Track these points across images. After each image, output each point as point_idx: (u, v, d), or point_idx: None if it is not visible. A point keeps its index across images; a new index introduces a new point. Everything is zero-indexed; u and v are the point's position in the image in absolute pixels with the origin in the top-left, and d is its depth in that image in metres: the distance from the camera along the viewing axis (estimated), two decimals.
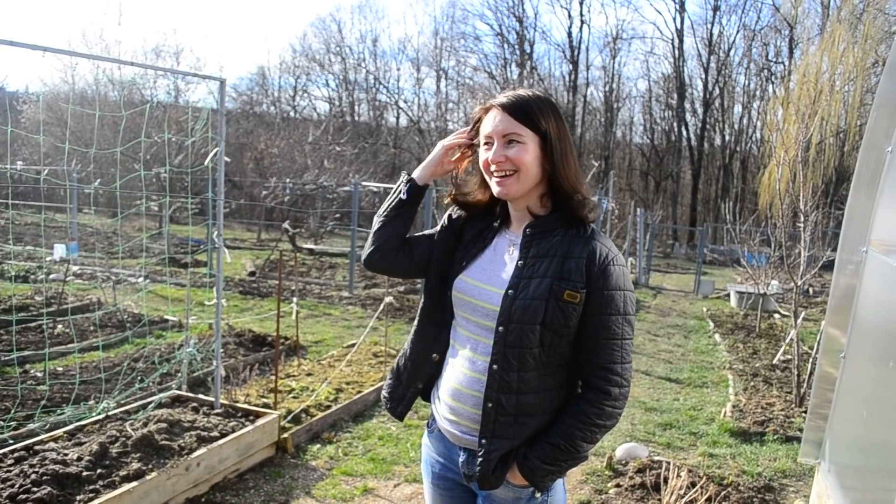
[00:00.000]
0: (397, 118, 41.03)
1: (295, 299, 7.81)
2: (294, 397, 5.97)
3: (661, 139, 40.47)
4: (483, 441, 1.92)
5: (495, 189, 1.95)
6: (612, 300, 1.87)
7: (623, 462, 5.02)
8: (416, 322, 2.19)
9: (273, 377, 5.81)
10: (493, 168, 1.93)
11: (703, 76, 37.47)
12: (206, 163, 5.01)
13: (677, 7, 37.35)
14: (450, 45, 40.86)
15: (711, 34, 36.91)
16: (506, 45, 40.14)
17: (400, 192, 2.10)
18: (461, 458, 2.04)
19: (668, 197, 38.44)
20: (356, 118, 40.60)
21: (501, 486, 1.93)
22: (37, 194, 21.12)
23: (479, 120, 2.00)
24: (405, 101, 41.12)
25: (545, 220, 1.98)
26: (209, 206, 4.76)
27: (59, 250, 12.41)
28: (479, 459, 1.92)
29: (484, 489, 1.95)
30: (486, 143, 1.96)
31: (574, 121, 37.39)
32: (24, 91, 28.59)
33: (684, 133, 38.69)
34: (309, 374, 6.73)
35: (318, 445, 5.21)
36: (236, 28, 60.79)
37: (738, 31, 37.01)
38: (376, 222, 2.13)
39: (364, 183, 18.94)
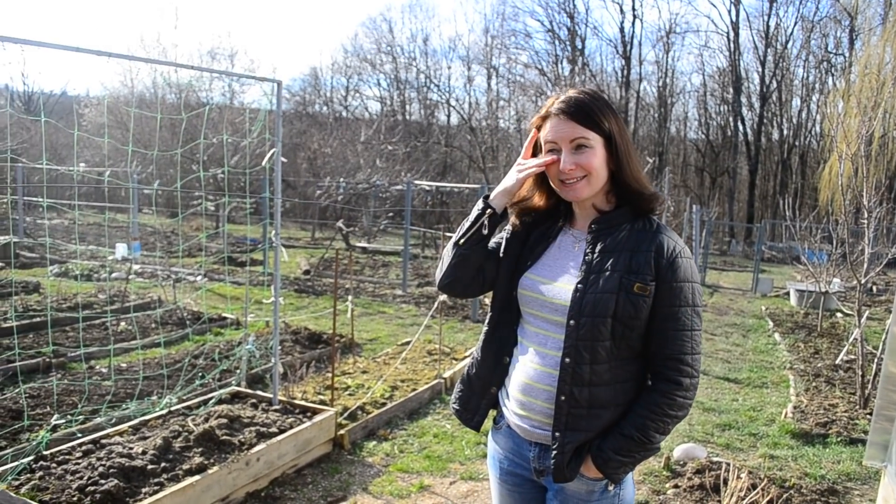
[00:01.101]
0: (448, 116, 41.07)
1: (350, 297, 7.89)
2: (350, 394, 6.03)
3: (717, 134, 39.69)
4: (557, 434, 1.94)
5: (566, 194, 1.99)
6: (681, 292, 1.90)
7: (681, 462, 4.94)
8: (484, 328, 2.20)
9: (329, 374, 5.88)
10: (563, 177, 1.94)
11: (760, 69, 36.62)
12: (263, 163, 5.10)
13: None
14: (500, 43, 40.71)
15: (768, 26, 36.04)
16: (557, 42, 39.85)
17: (482, 225, 2.08)
18: (532, 453, 2.05)
19: (724, 193, 37.68)
20: (407, 117, 40.77)
21: (575, 478, 1.95)
22: (99, 195, 21.80)
23: (539, 128, 2.02)
24: (456, 100, 41.15)
25: (611, 215, 2.00)
26: (265, 205, 4.84)
27: (121, 249, 12.76)
28: (554, 452, 1.94)
29: (559, 482, 1.96)
30: (550, 151, 1.97)
31: (627, 117, 36.91)
32: (85, 95, 29.51)
33: (740, 128, 37.86)
34: (364, 372, 6.79)
35: (374, 442, 5.25)
36: (289, 29, 61.62)
37: (795, 23, 36.06)
38: (453, 251, 2.11)
39: (416, 182, 19.03)
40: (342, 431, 5.12)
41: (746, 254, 27.53)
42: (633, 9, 40.31)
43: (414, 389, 6.25)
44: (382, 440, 5.31)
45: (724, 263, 23.48)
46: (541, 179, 2.09)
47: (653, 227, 1.96)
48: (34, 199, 15.97)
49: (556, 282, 1.99)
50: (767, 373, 8.04)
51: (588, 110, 1.91)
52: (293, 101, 40.16)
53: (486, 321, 2.20)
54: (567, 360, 1.91)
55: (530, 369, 2.01)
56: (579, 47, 39.30)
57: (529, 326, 2.06)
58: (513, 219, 2.16)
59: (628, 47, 38.06)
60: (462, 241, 2.09)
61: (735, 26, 36.44)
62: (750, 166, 37.39)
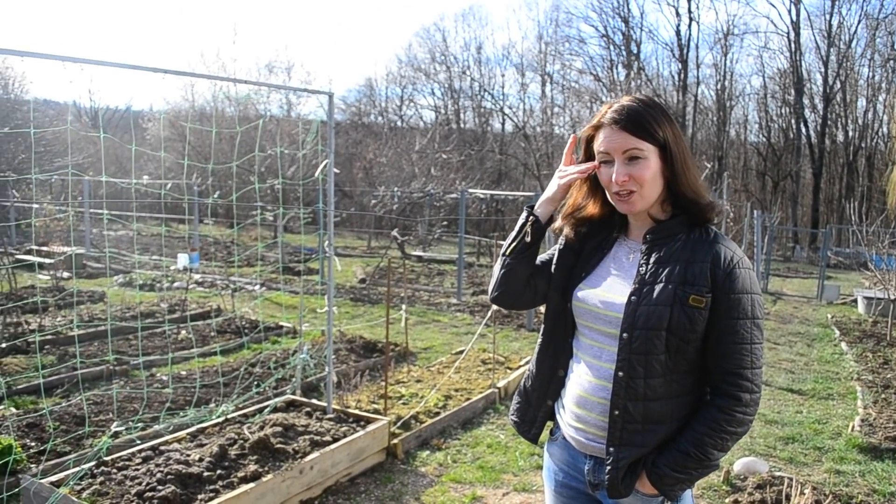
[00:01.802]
0: (503, 124, 41.04)
1: (404, 306, 7.90)
2: (403, 403, 6.03)
3: (779, 137, 38.71)
4: (611, 449, 1.89)
5: (621, 207, 1.94)
6: (740, 304, 1.83)
7: (741, 477, 4.79)
8: (539, 340, 2.17)
9: (383, 383, 5.89)
10: (615, 188, 1.89)
11: (823, 70, 35.60)
12: (316, 175, 5.14)
13: None
14: (554, 49, 40.56)
15: (830, 25, 35.04)
16: (612, 47, 39.50)
17: (525, 234, 2.07)
18: (587, 466, 2.01)
19: (787, 197, 36.72)
20: (462, 125, 40.87)
21: (630, 494, 1.90)
22: (162, 207, 22.39)
23: (591, 138, 1.96)
24: (510, 108, 41.09)
25: (666, 224, 1.94)
26: (320, 215, 4.88)
27: (182, 260, 13.06)
28: (608, 468, 1.90)
29: (613, 497, 1.92)
30: (603, 162, 1.92)
31: (685, 121, 36.30)
32: (149, 110, 30.39)
33: (803, 130, 36.85)
34: (418, 381, 6.79)
35: (428, 452, 5.23)
36: (344, 42, 62.46)
37: (859, 21, 34.97)
38: (502, 264, 2.11)
39: (471, 190, 19.02)
40: (395, 441, 5.12)
41: (811, 260, 26.74)
42: (690, 11, 39.58)
43: (468, 399, 6.22)
44: (436, 450, 5.29)
45: (788, 270, 22.84)
46: (595, 186, 2.04)
47: (709, 236, 1.90)
48: (99, 211, 16.48)
49: (610, 293, 1.95)
50: (833, 384, 7.76)
51: (641, 120, 1.85)
52: (349, 112, 40.68)
53: (541, 332, 2.17)
54: (620, 373, 1.87)
55: (585, 382, 1.98)
56: (634, 52, 38.88)
57: (584, 339, 2.02)
58: (567, 230, 2.11)
59: (685, 50, 37.49)
60: (508, 251, 2.09)
61: (796, 26, 35.57)
62: (814, 169, 36.34)
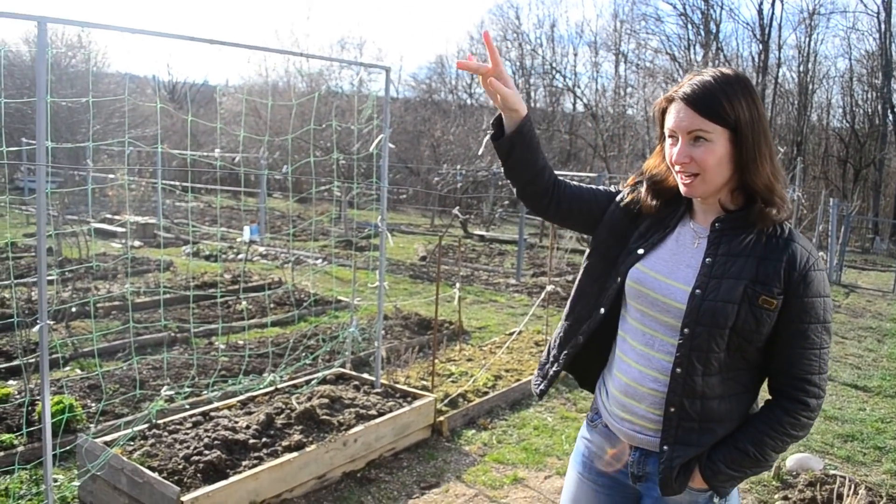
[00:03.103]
0: (574, 104, 40.42)
1: (458, 285, 7.90)
2: (453, 381, 6.05)
3: (863, 123, 37.01)
4: (665, 448, 1.82)
5: (682, 188, 1.82)
6: (812, 308, 1.74)
7: (793, 473, 4.64)
8: (570, 298, 2.09)
9: (434, 360, 5.91)
10: (677, 168, 1.79)
11: None
12: (370, 149, 5.16)
13: None
14: (629, 28, 39.54)
15: None
16: (689, 26, 38.31)
17: (499, 149, 1.98)
18: (632, 458, 1.95)
19: (869, 186, 35.19)
20: (533, 104, 40.44)
21: (684, 491, 1.85)
22: (233, 179, 22.90)
23: (664, 111, 1.83)
24: (579, 87, 40.44)
25: (737, 215, 1.81)
26: (383, 191, 4.91)
27: (247, 232, 13.36)
28: (662, 466, 1.83)
29: (666, 495, 1.86)
30: (671, 137, 1.80)
31: (764, 104, 35.06)
32: (224, 85, 31.07)
33: (889, 116, 35.18)
34: (469, 360, 6.79)
35: (473, 431, 5.24)
36: (417, 18, 62.43)
37: None
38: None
39: None
40: (441, 418, 5.14)
41: (892, 252, 25.63)
42: None
43: (518, 380, 6.19)
44: (482, 429, 5.29)
45: (865, 262, 21.93)
46: None
47: (784, 232, 1.78)
48: (172, 182, 16.95)
49: (672, 280, 1.83)
50: None
51: (713, 100, 1.70)
52: (419, 90, 40.66)
53: (574, 287, 2.07)
54: (678, 369, 1.78)
55: (634, 370, 1.89)
56: (713, 31, 37.68)
57: (634, 322, 1.91)
58: (646, 196, 1.95)
59: (767, 31, 36.12)
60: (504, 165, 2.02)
61: (887, 6, 33.83)
62: None
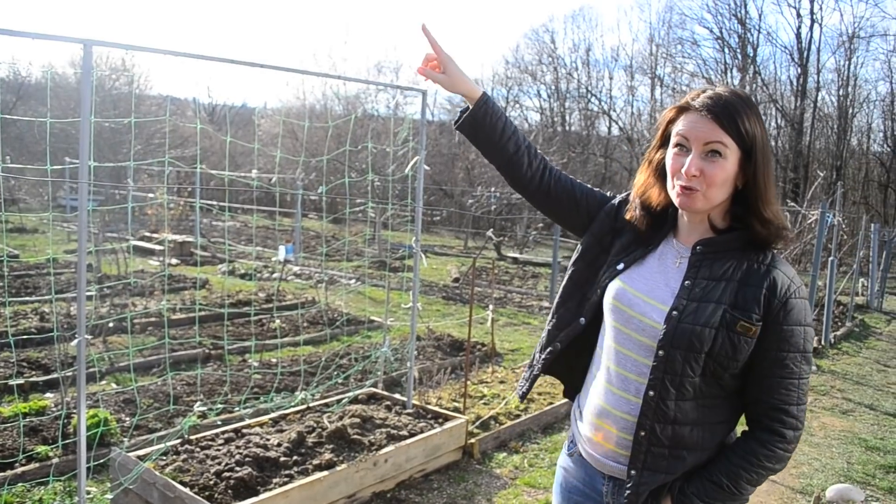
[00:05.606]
0: (609, 127, 40.30)
1: (490, 307, 7.87)
2: (485, 403, 6.00)
3: None
4: (632, 472, 1.76)
5: (678, 200, 1.73)
6: (792, 336, 1.68)
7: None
8: (555, 300, 2.06)
9: (466, 382, 5.88)
10: (682, 180, 1.70)
11: None
12: (406, 171, 5.18)
13: None
14: (665, 52, 39.44)
15: None
16: (726, 49, 38.09)
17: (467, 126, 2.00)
18: (605, 488, 1.89)
19: None
20: (567, 128, 40.39)
21: None
22: (269, 200, 23.18)
23: (671, 121, 1.77)
24: (615, 111, 40.33)
25: (721, 240, 1.76)
26: (418, 213, 4.93)
27: (282, 251, 13.48)
28: (627, 492, 1.76)
29: None
30: (678, 146, 1.72)
31: (803, 128, 34.63)
32: (263, 107, 31.58)
33: None
34: (502, 382, 6.74)
35: (505, 454, 5.19)
36: (453, 42, 62.99)
37: None
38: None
39: None
40: (473, 440, 5.09)
41: None
42: (812, 13, 37.67)
43: (550, 403, 6.12)
44: (513, 452, 5.23)
45: None
46: (662, 173, 1.82)
47: (766, 258, 1.73)
48: (210, 202, 17.20)
49: (650, 298, 1.78)
50: None
51: (734, 115, 1.64)
52: (454, 113, 40.84)
53: (561, 287, 2.05)
54: (651, 392, 1.72)
55: (607, 391, 1.84)
56: (750, 55, 37.38)
57: (610, 340, 1.85)
58: (635, 208, 1.90)
59: (805, 54, 35.74)
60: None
61: None
62: None
